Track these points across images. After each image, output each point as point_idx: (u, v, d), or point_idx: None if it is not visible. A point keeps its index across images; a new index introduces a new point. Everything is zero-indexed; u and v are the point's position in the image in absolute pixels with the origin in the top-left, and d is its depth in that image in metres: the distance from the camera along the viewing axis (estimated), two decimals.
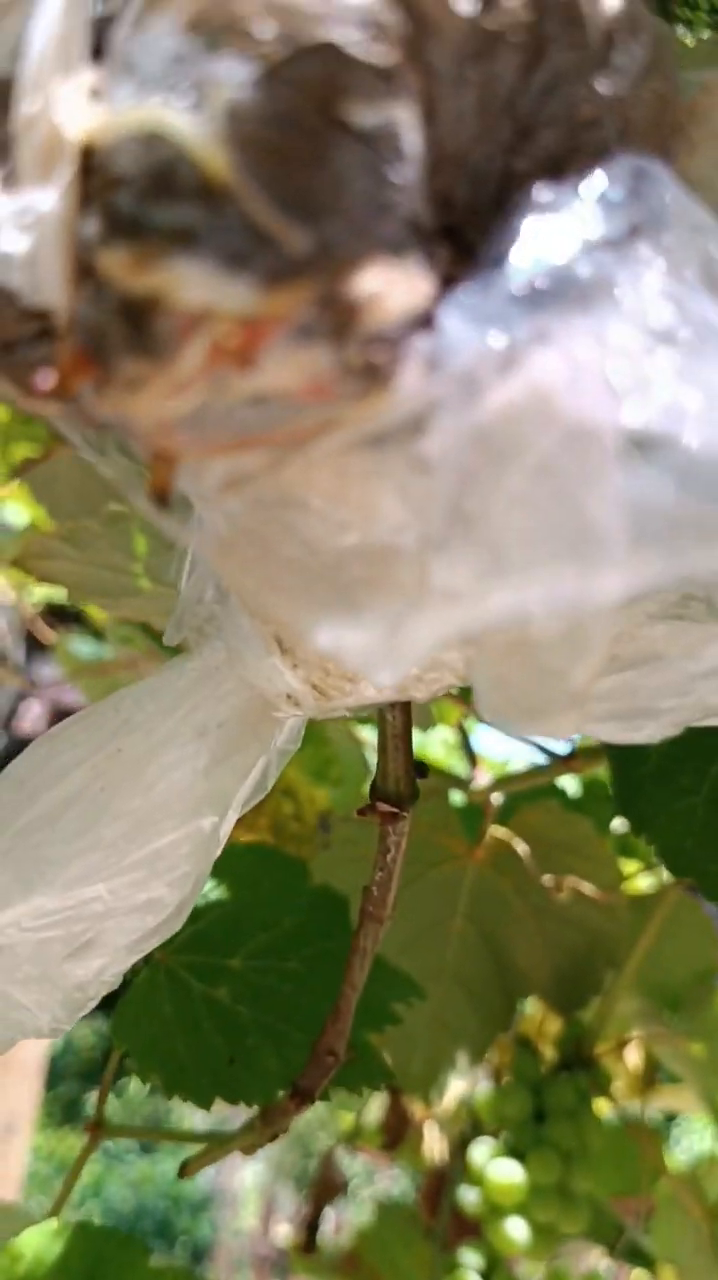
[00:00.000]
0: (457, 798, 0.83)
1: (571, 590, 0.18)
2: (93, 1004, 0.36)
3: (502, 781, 0.80)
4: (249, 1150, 0.50)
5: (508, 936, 0.83)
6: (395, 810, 0.41)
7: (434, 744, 1.05)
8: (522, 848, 0.79)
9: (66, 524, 0.74)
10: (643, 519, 0.17)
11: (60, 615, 1.40)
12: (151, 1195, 2.69)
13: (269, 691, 0.33)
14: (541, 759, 0.77)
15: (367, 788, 0.93)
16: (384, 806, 0.40)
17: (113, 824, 0.33)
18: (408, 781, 0.40)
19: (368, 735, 1.00)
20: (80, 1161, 0.53)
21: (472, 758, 0.86)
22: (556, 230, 0.19)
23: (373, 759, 0.95)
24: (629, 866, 0.90)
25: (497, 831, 0.81)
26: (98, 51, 0.19)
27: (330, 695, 0.32)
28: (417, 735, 0.43)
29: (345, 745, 1.01)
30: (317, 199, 0.17)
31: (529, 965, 0.83)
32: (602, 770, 0.88)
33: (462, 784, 0.79)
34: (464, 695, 0.85)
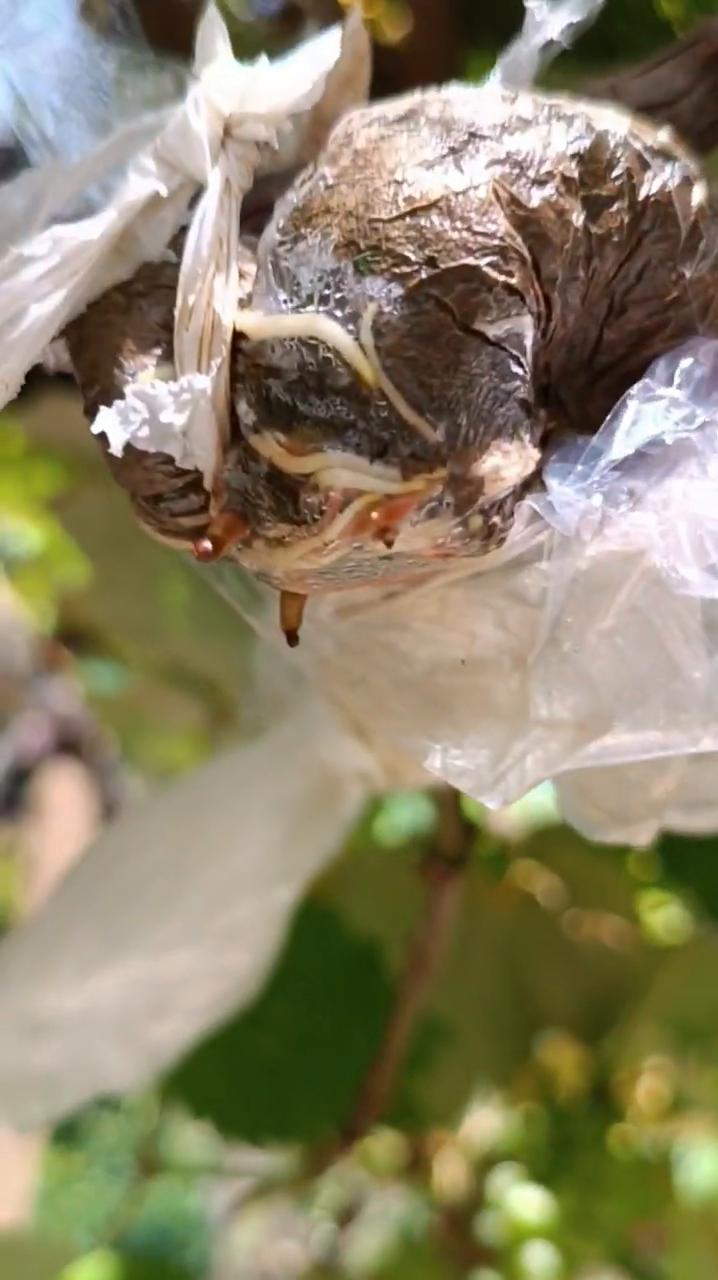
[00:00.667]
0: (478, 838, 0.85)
1: (665, 742, 0.20)
2: (168, 1061, 0.38)
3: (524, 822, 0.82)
4: (299, 1188, 0.52)
5: (529, 969, 0.85)
6: (448, 869, 0.43)
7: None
8: (542, 888, 0.81)
9: (101, 569, 0.76)
10: None
11: (76, 640, 1.42)
12: (154, 1213, 2.69)
13: (342, 770, 0.35)
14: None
15: (377, 825, 0.94)
16: (438, 865, 0.42)
17: (195, 894, 0.35)
18: (462, 842, 0.42)
19: None
20: (134, 1198, 0.55)
21: None
22: (649, 412, 0.21)
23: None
24: (649, 901, 0.92)
25: (518, 868, 0.83)
26: (245, 218, 0.22)
27: (402, 777, 0.34)
28: None
29: None
30: (450, 396, 0.19)
31: (550, 997, 0.85)
32: None
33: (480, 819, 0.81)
34: None
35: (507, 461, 0.20)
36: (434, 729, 0.23)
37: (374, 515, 0.19)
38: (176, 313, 0.21)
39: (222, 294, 0.21)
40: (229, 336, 0.21)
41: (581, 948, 0.82)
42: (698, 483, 0.21)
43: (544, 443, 0.22)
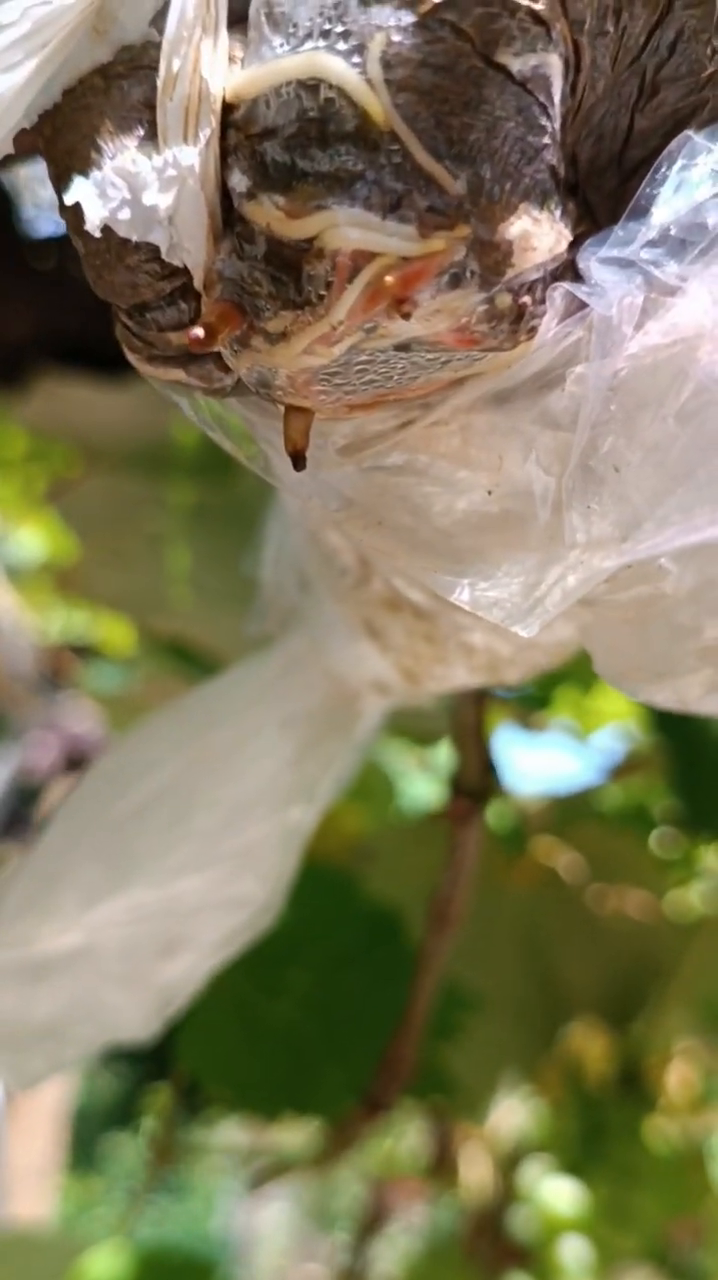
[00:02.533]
0: (498, 815, 0.83)
1: (707, 528, 0.18)
2: (180, 1004, 0.35)
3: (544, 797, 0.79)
4: (324, 1163, 0.49)
5: (552, 952, 0.82)
6: (471, 805, 0.40)
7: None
8: (563, 863, 0.78)
9: (103, 545, 0.74)
10: None
11: (79, 652, 1.40)
12: (178, 1235, 2.65)
13: (355, 680, 0.33)
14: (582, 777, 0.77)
15: (393, 807, 0.92)
16: (462, 801, 0.40)
17: (203, 815, 0.32)
18: (486, 775, 0.40)
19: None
20: (149, 1182, 0.53)
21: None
22: (693, 177, 0.19)
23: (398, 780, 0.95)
24: (673, 879, 0.89)
25: (538, 847, 0.81)
26: (233, 24, 0.19)
27: (421, 680, 0.32)
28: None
29: (371, 766, 1.00)
30: (472, 141, 0.17)
31: (575, 980, 0.82)
32: (642, 789, 0.87)
33: (504, 796, 0.79)
34: (508, 705, 0.85)
35: (537, 230, 0.18)
36: (461, 565, 0.21)
37: (389, 280, 0.17)
38: (159, 82, 0.18)
39: (209, 59, 0.18)
40: (218, 106, 0.18)
41: (605, 923, 0.79)
42: None
43: (575, 244, 0.20)
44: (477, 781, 0.40)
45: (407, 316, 0.17)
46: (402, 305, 0.17)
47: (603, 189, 0.21)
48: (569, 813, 0.82)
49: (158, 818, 0.32)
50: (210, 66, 0.18)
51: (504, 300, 0.18)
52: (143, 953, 0.34)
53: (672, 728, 0.60)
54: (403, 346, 0.19)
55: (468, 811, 0.41)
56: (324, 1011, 0.54)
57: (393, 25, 0.17)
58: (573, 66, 0.18)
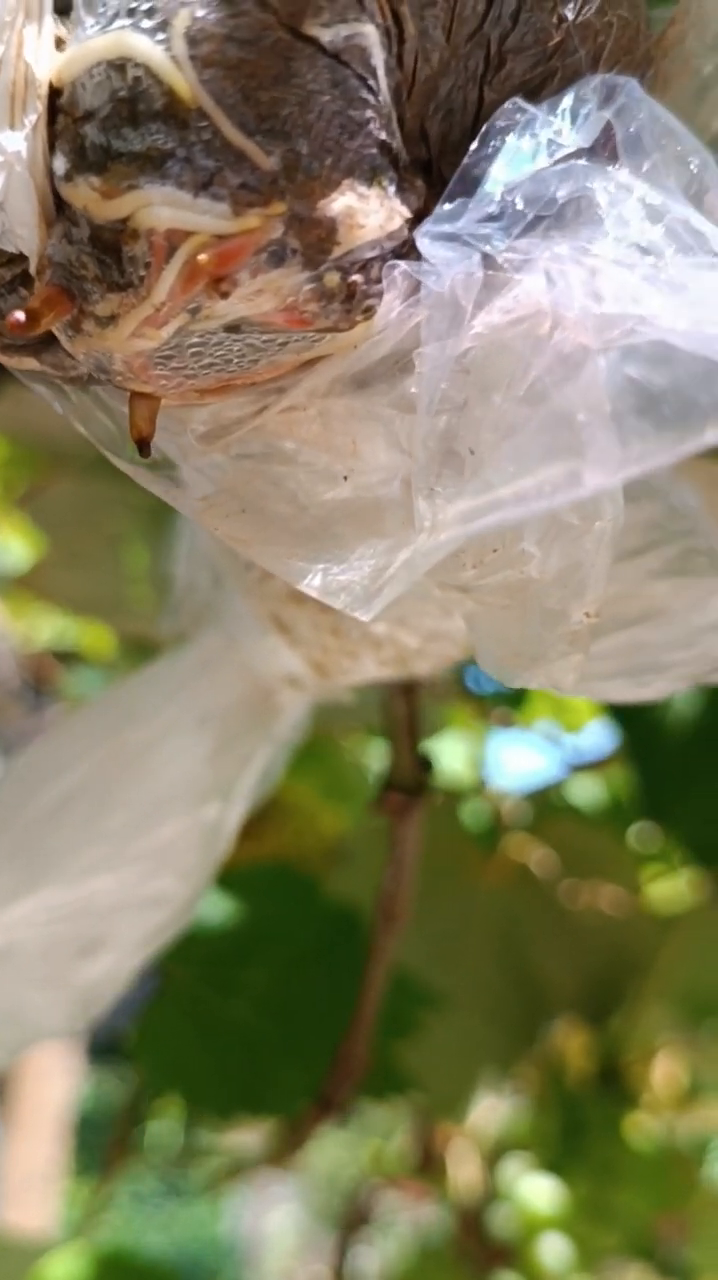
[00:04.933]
0: (471, 812, 0.82)
1: (544, 495, 0.18)
2: (104, 1003, 0.35)
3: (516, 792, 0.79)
4: (277, 1163, 0.49)
5: (529, 949, 0.82)
6: (406, 799, 0.40)
7: (449, 759, 1.04)
8: (537, 859, 0.78)
9: (65, 547, 0.74)
10: (628, 417, 0.17)
11: (62, 658, 1.40)
12: (183, 1239, 2.65)
13: (269, 675, 0.33)
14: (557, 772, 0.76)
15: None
16: (395, 796, 0.40)
17: (117, 814, 0.32)
18: (418, 769, 0.40)
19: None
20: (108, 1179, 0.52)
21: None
22: (530, 145, 0.18)
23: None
24: (649, 874, 0.89)
25: (512, 843, 0.80)
26: (62, 12, 0.19)
27: (331, 673, 0.32)
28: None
29: (350, 766, 1.00)
30: (285, 116, 0.17)
31: (552, 977, 0.82)
32: (619, 783, 0.87)
33: (476, 794, 0.78)
34: (478, 701, 0.84)
35: (364, 206, 0.18)
36: (317, 552, 0.21)
37: (203, 259, 0.16)
38: None
39: (33, 44, 0.18)
40: (45, 91, 0.18)
41: (580, 919, 0.79)
42: (598, 243, 0.19)
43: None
44: (410, 775, 0.40)
45: (225, 295, 0.17)
46: (220, 284, 0.17)
47: (458, 164, 0.21)
48: (543, 809, 0.82)
49: (70, 817, 0.32)
50: (34, 51, 0.18)
51: (333, 279, 0.18)
52: (62, 953, 0.33)
53: (631, 720, 0.60)
54: (233, 328, 0.18)
55: (403, 806, 0.40)
56: (280, 1011, 0.54)
57: (197, 0, 0.16)
58: (395, 37, 0.18)
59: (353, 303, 0.18)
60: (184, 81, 0.16)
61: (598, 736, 0.93)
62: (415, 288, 0.19)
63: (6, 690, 1.35)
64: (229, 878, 0.60)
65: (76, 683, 1.30)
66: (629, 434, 0.16)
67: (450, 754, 1.01)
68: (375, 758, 0.99)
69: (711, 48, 0.22)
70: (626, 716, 0.61)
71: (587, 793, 0.89)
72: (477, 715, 0.86)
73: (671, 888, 0.87)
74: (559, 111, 0.19)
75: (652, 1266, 0.94)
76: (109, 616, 0.70)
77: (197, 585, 0.34)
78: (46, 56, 0.18)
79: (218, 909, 0.58)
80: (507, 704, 0.90)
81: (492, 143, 0.18)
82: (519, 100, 0.18)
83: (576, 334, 0.18)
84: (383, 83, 0.18)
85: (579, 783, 0.87)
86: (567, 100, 0.19)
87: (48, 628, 1.37)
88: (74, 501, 0.84)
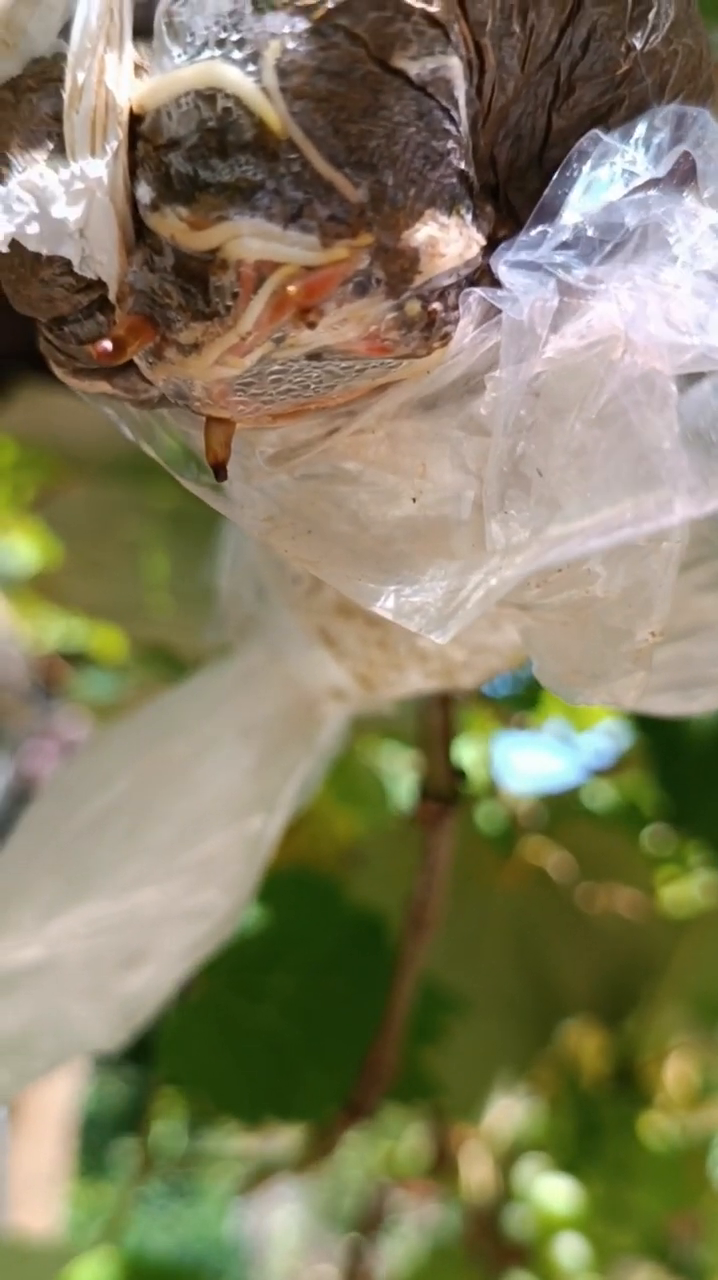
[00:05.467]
0: (487, 816, 0.82)
1: (629, 524, 0.18)
2: (145, 1015, 0.35)
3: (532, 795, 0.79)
4: (305, 1168, 0.49)
5: (544, 952, 0.82)
6: (441, 809, 0.40)
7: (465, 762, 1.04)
8: (553, 862, 0.78)
9: (83, 553, 0.74)
10: (702, 448, 0.17)
11: (71, 660, 1.40)
12: (188, 1239, 2.66)
13: (313, 687, 0.33)
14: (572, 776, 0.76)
15: (386, 811, 0.92)
16: (432, 805, 0.40)
17: (161, 828, 0.32)
18: (452, 779, 0.40)
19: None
20: (127, 1190, 0.53)
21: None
22: (607, 175, 0.19)
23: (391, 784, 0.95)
24: (664, 877, 0.89)
25: (528, 847, 0.81)
26: (140, 34, 0.19)
27: (376, 686, 0.32)
28: None
29: (364, 771, 1.00)
30: (373, 148, 0.17)
31: (568, 979, 0.82)
32: (633, 787, 0.87)
33: (492, 798, 0.79)
34: (496, 705, 0.84)
35: (445, 236, 0.18)
36: (386, 574, 0.21)
37: (292, 290, 0.17)
38: (65, 95, 0.18)
39: (114, 71, 0.18)
40: (125, 118, 0.18)
41: (596, 922, 0.79)
42: (669, 270, 0.19)
43: (494, 247, 0.20)
44: (445, 785, 0.40)
45: (312, 326, 0.17)
46: (307, 314, 0.17)
47: (525, 190, 0.21)
48: (559, 812, 0.82)
49: (114, 830, 0.32)
50: (115, 78, 0.18)
51: (414, 307, 0.18)
52: (105, 965, 0.33)
53: (653, 724, 0.60)
54: (315, 355, 0.18)
55: (437, 815, 0.40)
56: (306, 1017, 0.54)
57: (287, 32, 0.16)
58: (477, 69, 0.18)
59: (432, 330, 0.18)
60: (275, 113, 0.17)
61: (609, 739, 0.93)
62: (489, 313, 0.19)
63: (16, 692, 1.35)
64: None
65: (86, 685, 1.30)
66: (701, 468, 0.17)
67: (466, 757, 1.01)
68: (389, 762, 0.99)
69: None
70: (646, 721, 0.61)
71: (602, 796, 0.90)
72: (492, 719, 0.87)
73: (685, 891, 0.88)
74: (633, 141, 0.19)
75: (665, 1266, 0.94)
76: (126, 623, 0.70)
77: (240, 597, 0.34)
78: (127, 83, 0.18)
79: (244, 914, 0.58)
80: (520, 706, 0.90)
81: (570, 171, 0.19)
82: (598, 132, 0.19)
83: (647, 358, 0.19)
84: (464, 114, 0.18)
85: (594, 786, 0.87)
86: (640, 130, 0.19)
87: (57, 630, 1.37)
88: (89, 507, 0.84)
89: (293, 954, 0.57)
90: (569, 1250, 0.81)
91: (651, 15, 0.20)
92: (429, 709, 0.39)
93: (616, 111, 0.20)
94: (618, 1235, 0.81)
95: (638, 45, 0.20)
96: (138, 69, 0.19)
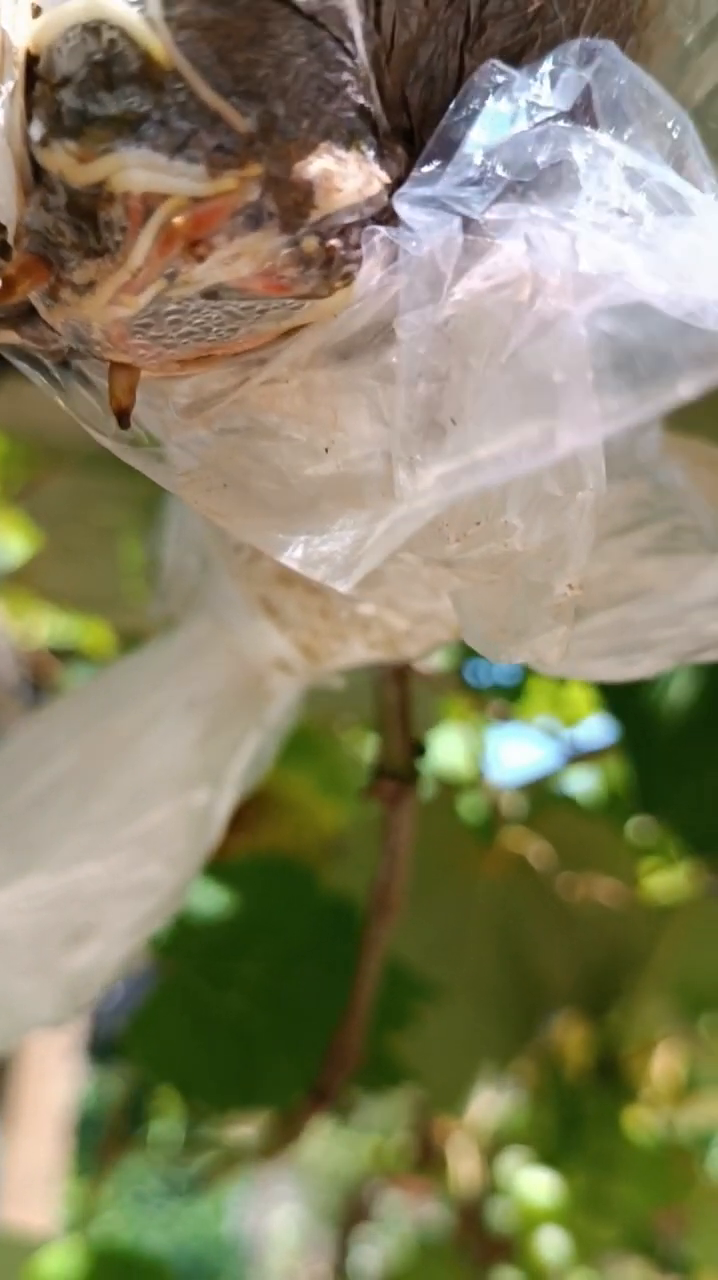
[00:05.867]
0: (469, 805, 0.82)
1: (533, 451, 0.17)
2: (94, 993, 0.35)
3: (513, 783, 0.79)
4: (271, 1155, 0.49)
5: (526, 942, 0.82)
6: (399, 786, 0.40)
7: (446, 752, 1.04)
8: (534, 851, 0.78)
9: (59, 542, 0.74)
10: (603, 374, 0.17)
11: (60, 655, 1.39)
12: (185, 1238, 2.65)
13: (258, 659, 0.32)
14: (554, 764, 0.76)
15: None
16: (388, 783, 0.39)
17: (104, 801, 0.32)
18: (410, 757, 0.40)
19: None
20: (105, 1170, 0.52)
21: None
22: (509, 108, 0.18)
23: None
24: (646, 866, 0.89)
25: (509, 836, 0.80)
26: None
27: (320, 656, 0.31)
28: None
29: (348, 760, 1.00)
30: (261, 78, 0.17)
31: (550, 970, 0.82)
32: (615, 775, 0.87)
33: (473, 787, 0.78)
34: (475, 694, 0.84)
35: (342, 170, 0.17)
36: (298, 525, 0.20)
37: (179, 221, 0.16)
38: None
39: (9, 11, 0.18)
40: (21, 59, 0.18)
41: (578, 912, 0.79)
42: (579, 208, 0.19)
43: None
44: (402, 762, 0.39)
45: (201, 259, 0.17)
46: (196, 247, 0.17)
47: None
48: (540, 802, 0.82)
49: (57, 804, 0.32)
50: (11, 19, 0.18)
51: (311, 244, 0.18)
52: (50, 941, 0.33)
53: (625, 712, 0.59)
54: (212, 294, 0.18)
55: (396, 793, 0.40)
56: (275, 1004, 0.54)
57: None
58: (373, 0, 0.18)
59: (331, 268, 0.18)
60: (159, 43, 0.16)
61: (595, 730, 0.93)
62: (395, 255, 0.19)
63: (5, 687, 1.35)
64: (225, 870, 0.60)
65: (75, 679, 1.29)
66: (605, 391, 0.16)
67: (448, 747, 1.01)
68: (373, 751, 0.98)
69: (691, 16, 0.22)
70: (620, 708, 0.61)
71: (584, 785, 0.89)
72: (474, 708, 0.86)
73: (668, 880, 0.87)
74: (539, 75, 0.18)
75: (651, 1260, 0.93)
76: (104, 611, 0.69)
77: (185, 569, 0.33)
78: (24, 24, 0.18)
79: (214, 901, 0.58)
80: (504, 697, 0.90)
81: (470, 105, 0.18)
82: (498, 63, 0.18)
83: (557, 299, 0.18)
84: (361, 46, 0.18)
85: (576, 775, 0.87)
86: (546, 64, 0.18)
87: (47, 624, 1.37)
88: (69, 497, 0.83)
89: (263, 941, 0.57)
90: (552, 1244, 0.80)
91: None
92: (385, 684, 0.38)
93: (529, 50, 0.20)
94: (600, 1229, 0.81)
95: None
96: (35, 10, 0.19)
